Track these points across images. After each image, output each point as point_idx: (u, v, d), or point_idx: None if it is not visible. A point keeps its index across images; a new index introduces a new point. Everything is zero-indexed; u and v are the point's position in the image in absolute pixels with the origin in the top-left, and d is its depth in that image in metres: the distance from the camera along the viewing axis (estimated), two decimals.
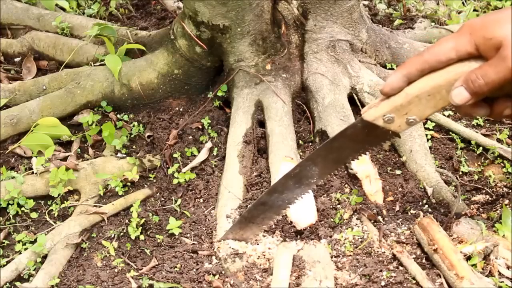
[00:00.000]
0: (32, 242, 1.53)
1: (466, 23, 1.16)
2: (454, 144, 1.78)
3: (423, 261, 1.38)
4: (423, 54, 1.17)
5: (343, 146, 1.27)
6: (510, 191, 1.58)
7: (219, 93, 1.87)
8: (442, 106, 1.16)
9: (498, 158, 1.71)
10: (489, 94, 1.13)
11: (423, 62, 1.16)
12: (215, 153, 1.77)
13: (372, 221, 1.49)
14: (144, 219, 1.56)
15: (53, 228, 1.56)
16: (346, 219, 1.48)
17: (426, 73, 1.17)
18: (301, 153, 1.72)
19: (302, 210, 1.48)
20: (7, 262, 1.48)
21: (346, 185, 1.60)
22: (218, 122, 1.86)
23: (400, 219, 1.52)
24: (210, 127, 1.85)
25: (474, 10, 2.48)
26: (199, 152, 1.77)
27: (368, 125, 1.20)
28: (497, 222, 1.44)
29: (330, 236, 1.45)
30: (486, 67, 1.13)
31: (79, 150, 1.80)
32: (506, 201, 1.53)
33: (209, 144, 1.78)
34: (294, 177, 1.33)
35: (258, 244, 1.44)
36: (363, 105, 1.82)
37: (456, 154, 1.75)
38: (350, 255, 1.39)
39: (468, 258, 1.36)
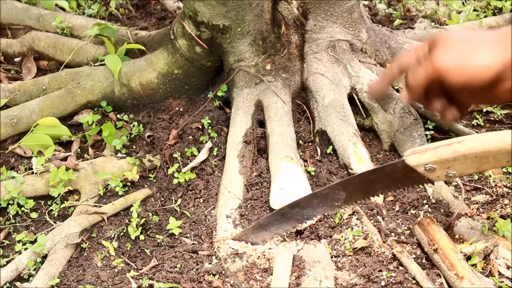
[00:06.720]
0: (32, 242, 1.53)
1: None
2: None
3: (423, 261, 1.38)
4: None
5: (377, 181, 1.30)
6: (510, 191, 1.58)
7: (219, 93, 1.87)
8: (485, 169, 1.19)
9: None
10: (431, 94, 1.17)
11: (396, 63, 1.25)
12: (215, 153, 1.77)
13: (372, 221, 1.49)
14: (144, 219, 1.56)
15: (53, 228, 1.56)
16: (346, 219, 1.48)
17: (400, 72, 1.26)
18: (301, 153, 1.72)
19: None
20: (7, 262, 1.48)
21: None
22: (218, 122, 1.86)
23: (400, 219, 1.52)
24: (210, 127, 1.84)
25: (474, 10, 2.47)
26: (199, 152, 1.77)
27: (408, 169, 1.22)
28: (497, 222, 1.44)
29: (330, 236, 1.45)
30: (418, 66, 1.17)
31: (79, 150, 1.80)
32: (506, 201, 1.53)
33: (209, 144, 1.78)
34: (321, 197, 1.35)
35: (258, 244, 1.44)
36: (363, 105, 1.82)
37: None
38: (350, 255, 1.39)
39: (468, 258, 1.36)
